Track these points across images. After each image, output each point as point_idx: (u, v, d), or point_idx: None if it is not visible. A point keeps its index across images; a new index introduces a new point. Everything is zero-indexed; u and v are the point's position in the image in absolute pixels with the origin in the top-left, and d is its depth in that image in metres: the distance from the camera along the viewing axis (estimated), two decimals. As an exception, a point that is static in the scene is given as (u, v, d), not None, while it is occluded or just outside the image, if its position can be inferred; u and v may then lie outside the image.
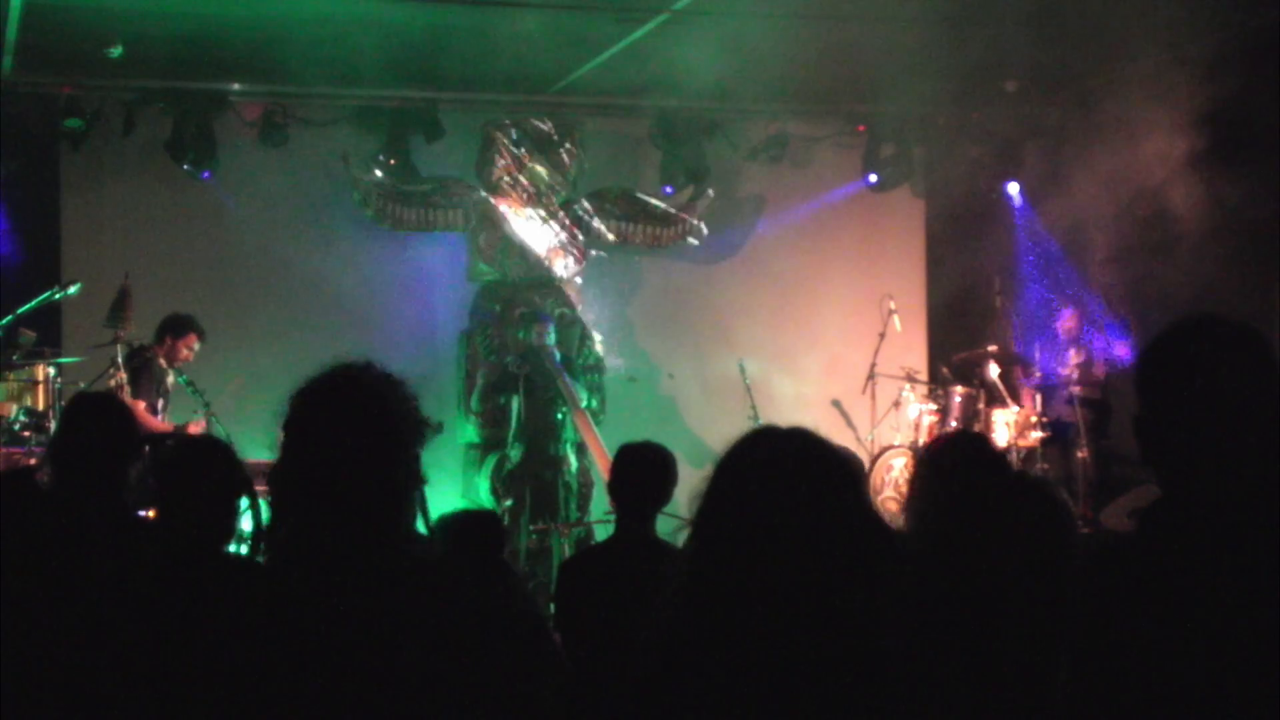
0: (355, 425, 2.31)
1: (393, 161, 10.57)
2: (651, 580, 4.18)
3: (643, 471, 4.45)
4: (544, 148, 10.80)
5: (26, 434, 8.56)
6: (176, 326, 9.13)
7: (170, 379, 9.17)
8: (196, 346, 9.19)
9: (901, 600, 2.07)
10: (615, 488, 4.51)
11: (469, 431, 10.58)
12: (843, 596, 2.02)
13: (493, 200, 10.79)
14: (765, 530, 2.04)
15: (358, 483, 2.28)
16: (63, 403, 8.49)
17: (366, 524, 2.29)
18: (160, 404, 9.10)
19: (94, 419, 4.03)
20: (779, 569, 2.02)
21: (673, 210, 11.18)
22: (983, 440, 3.91)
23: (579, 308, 10.95)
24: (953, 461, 3.39)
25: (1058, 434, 9.99)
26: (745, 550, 2.05)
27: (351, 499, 2.28)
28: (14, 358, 8.86)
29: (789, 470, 2.09)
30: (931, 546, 3.15)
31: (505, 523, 9.48)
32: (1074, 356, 10.11)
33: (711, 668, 2.04)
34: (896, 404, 10.76)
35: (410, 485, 2.34)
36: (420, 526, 2.37)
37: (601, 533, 9.36)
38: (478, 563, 4.29)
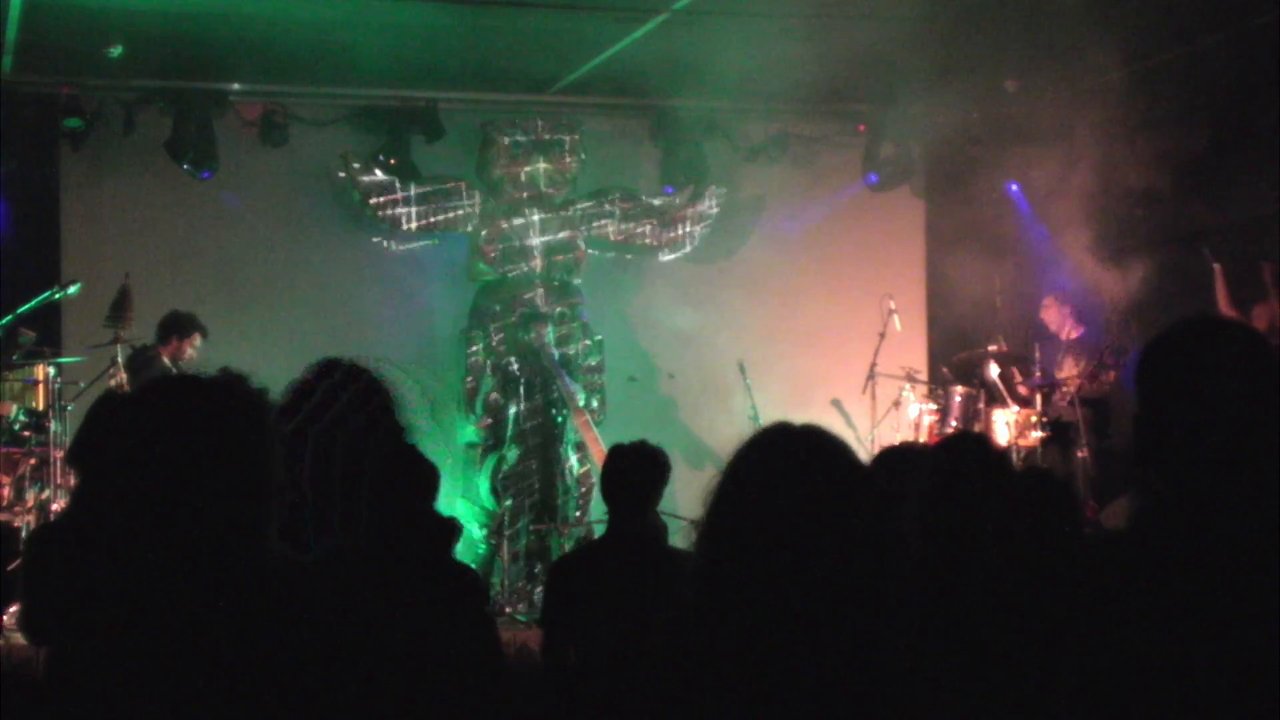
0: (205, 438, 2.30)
1: (393, 161, 10.56)
2: (643, 578, 4.19)
3: (633, 471, 4.44)
4: (544, 148, 10.80)
5: (26, 434, 8.55)
6: (181, 325, 9.12)
7: None
8: (200, 345, 9.19)
9: (911, 601, 2.07)
10: (606, 487, 4.51)
11: (469, 431, 10.57)
12: (854, 597, 2.01)
13: (493, 200, 10.79)
14: (777, 529, 2.03)
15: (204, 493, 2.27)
16: (63, 403, 8.49)
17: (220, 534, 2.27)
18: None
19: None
20: (790, 569, 2.01)
21: (673, 210, 11.18)
22: (984, 440, 3.88)
23: (579, 307, 10.95)
24: (955, 463, 3.37)
25: (1058, 434, 9.98)
26: (757, 549, 2.03)
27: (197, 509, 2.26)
28: (14, 358, 8.85)
29: (802, 469, 2.08)
30: (939, 548, 3.14)
31: (505, 522, 9.51)
32: (1071, 364, 10.09)
33: (723, 668, 2.03)
34: (896, 404, 10.76)
35: (266, 495, 2.32)
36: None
37: (602, 533, 9.36)
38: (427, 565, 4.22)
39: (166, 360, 8.99)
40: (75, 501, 4.42)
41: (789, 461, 2.09)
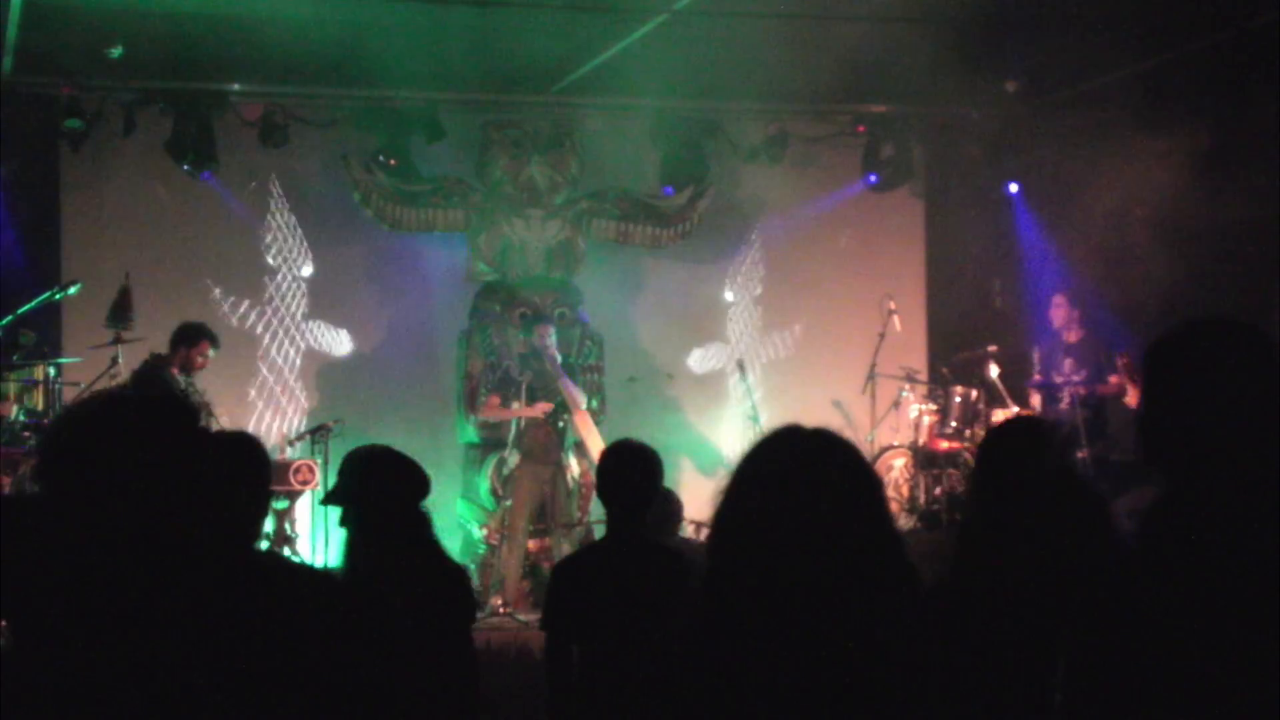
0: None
1: (393, 161, 10.56)
2: (646, 581, 4.18)
3: (626, 471, 4.42)
4: (544, 148, 10.79)
5: (27, 434, 8.56)
6: (188, 336, 9.04)
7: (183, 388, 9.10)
8: (211, 354, 9.09)
9: (915, 602, 2.07)
10: (602, 489, 4.49)
11: (469, 432, 10.56)
12: (864, 597, 2.01)
13: (493, 200, 10.79)
14: (788, 530, 2.03)
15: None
16: (63, 403, 8.49)
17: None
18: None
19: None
20: (801, 569, 2.01)
21: (673, 210, 11.18)
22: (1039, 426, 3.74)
23: (579, 308, 10.94)
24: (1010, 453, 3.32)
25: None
26: (768, 550, 2.04)
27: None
28: (14, 358, 8.86)
29: (812, 471, 2.08)
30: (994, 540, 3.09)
31: (505, 523, 9.50)
32: (1070, 366, 10.09)
33: (731, 666, 2.03)
34: (896, 404, 10.77)
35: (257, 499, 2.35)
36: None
37: (602, 534, 9.34)
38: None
39: (175, 371, 8.94)
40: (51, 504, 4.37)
41: (800, 463, 2.09)
